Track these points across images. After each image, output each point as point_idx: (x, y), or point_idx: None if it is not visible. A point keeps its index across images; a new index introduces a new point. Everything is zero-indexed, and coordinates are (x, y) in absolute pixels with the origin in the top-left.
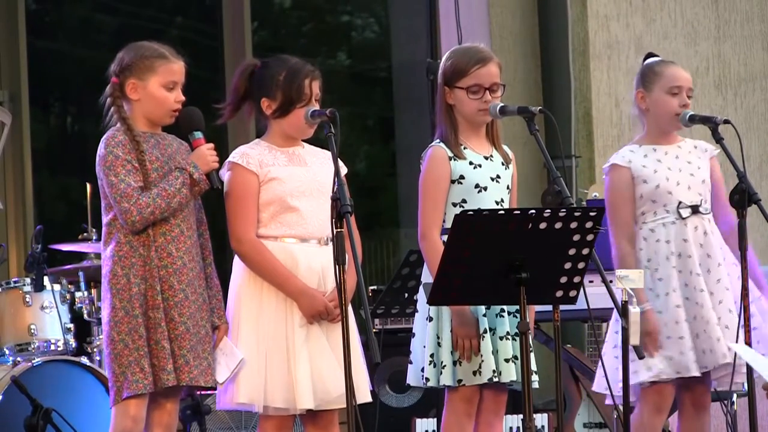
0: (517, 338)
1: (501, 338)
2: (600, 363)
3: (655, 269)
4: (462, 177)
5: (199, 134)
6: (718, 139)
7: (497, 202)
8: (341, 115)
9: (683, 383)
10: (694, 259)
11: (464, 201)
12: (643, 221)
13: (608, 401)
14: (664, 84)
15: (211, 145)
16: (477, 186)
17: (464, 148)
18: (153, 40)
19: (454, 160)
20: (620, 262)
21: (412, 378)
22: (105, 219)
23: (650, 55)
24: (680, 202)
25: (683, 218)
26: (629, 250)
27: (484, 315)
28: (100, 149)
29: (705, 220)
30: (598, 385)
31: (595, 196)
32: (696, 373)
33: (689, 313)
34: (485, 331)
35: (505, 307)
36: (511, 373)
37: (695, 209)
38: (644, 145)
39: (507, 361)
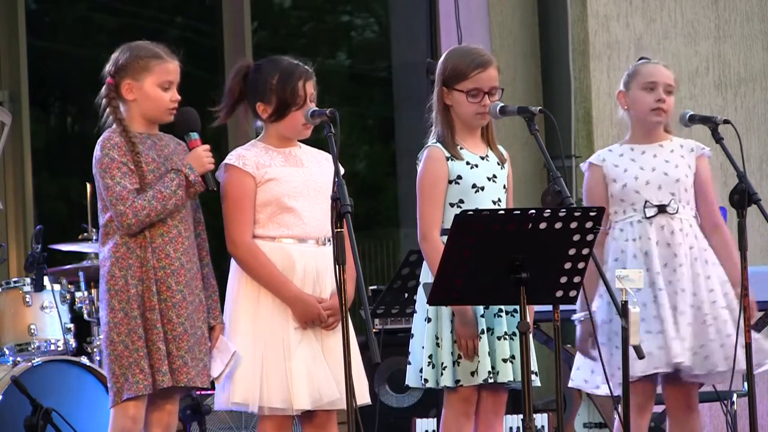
0: (515, 338)
1: (498, 338)
2: (600, 359)
3: (622, 268)
4: (459, 177)
5: (195, 135)
6: (718, 139)
7: (494, 202)
8: (341, 115)
9: (664, 384)
10: (654, 258)
11: (461, 201)
12: (614, 221)
13: (589, 392)
14: (639, 80)
15: (207, 146)
16: (474, 186)
17: (460, 149)
18: (151, 39)
19: (451, 160)
20: None
21: (411, 379)
22: (102, 220)
23: (642, 59)
24: (646, 201)
25: (648, 217)
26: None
27: (482, 315)
28: (96, 151)
29: (676, 220)
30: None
31: None
32: (649, 372)
33: (649, 312)
34: (482, 332)
35: (502, 306)
36: (507, 373)
37: (662, 208)
38: (624, 144)
39: (504, 361)
